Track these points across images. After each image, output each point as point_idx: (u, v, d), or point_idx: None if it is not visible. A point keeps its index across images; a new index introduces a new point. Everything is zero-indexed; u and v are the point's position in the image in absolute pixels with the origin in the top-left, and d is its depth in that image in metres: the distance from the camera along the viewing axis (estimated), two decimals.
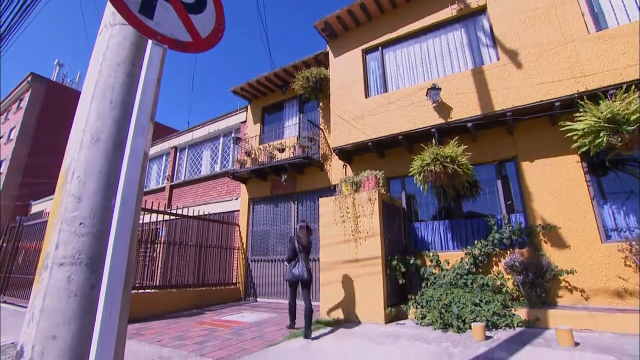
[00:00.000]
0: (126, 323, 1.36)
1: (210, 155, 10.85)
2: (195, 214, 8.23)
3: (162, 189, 11.52)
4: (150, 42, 1.40)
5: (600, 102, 4.44)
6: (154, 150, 12.58)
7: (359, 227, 5.50)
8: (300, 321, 4.95)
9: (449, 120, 5.62)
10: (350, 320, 5.18)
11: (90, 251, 1.19)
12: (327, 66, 7.76)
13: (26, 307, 7.06)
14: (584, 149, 4.56)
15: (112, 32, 1.51)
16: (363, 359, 3.49)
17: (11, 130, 21.49)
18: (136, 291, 6.21)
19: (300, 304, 5.03)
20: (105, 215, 1.25)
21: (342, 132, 6.77)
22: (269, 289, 7.94)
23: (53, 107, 21.79)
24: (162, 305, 6.50)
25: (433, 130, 5.73)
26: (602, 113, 4.31)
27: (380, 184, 5.70)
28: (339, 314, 5.30)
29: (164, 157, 12.26)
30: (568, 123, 4.67)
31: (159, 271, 7.42)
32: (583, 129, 4.51)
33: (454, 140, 5.35)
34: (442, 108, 5.73)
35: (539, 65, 5.11)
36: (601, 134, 4.32)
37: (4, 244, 9.23)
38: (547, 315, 4.35)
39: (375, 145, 6.43)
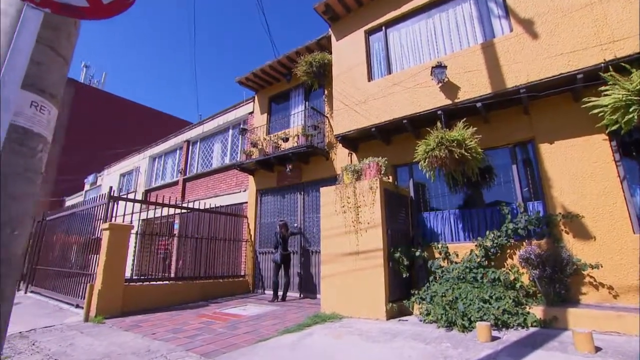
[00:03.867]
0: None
1: (220, 148, 10.86)
2: (207, 206, 8.27)
3: (177, 183, 11.72)
4: (25, 5, 1.21)
5: (633, 71, 3.84)
6: (168, 145, 12.82)
7: (360, 217, 5.21)
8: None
9: (456, 100, 5.14)
10: (350, 316, 4.94)
11: None
12: (330, 51, 7.40)
13: (49, 297, 7.46)
14: (613, 128, 3.98)
15: None
16: (352, 358, 3.25)
17: None
18: (142, 283, 6.31)
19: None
20: None
21: (344, 119, 6.44)
22: None
23: (82, 107, 22.86)
24: (170, 297, 6.57)
25: (439, 112, 5.28)
26: (632, 84, 3.73)
27: (382, 172, 5.35)
28: (339, 309, 5.07)
29: (178, 151, 12.45)
30: (593, 98, 4.09)
31: (166, 263, 7.53)
32: (610, 104, 3.94)
33: (461, 122, 4.89)
34: (449, 88, 5.25)
35: (558, 33, 4.50)
36: (631, 109, 3.74)
37: (31, 238, 9.79)
38: (566, 314, 3.89)
39: (379, 131, 6.05)
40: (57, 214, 8.68)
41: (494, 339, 3.57)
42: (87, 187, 18.51)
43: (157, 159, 13.64)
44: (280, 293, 6.84)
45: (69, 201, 20.42)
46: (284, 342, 3.84)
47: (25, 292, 8.78)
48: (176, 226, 9.98)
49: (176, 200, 10.66)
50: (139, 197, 13.19)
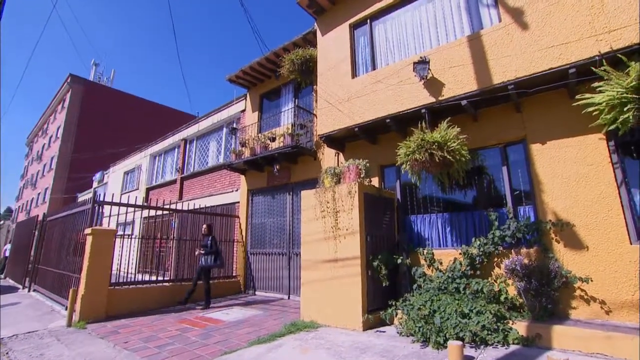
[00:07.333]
0: None
1: (216, 147, 10.79)
2: (202, 205, 8.24)
3: (175, 181, 11.77)
4: None
5: (631, 65, 3.43)
6: (167, 143, 12.85)
7: (338, 223, 5.00)
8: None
9: (440, 98, 4.80)
10: (328, 325, 4.79)
11: None
12: (317, 45, 7.10)
13: (47, 297, 7.62)
14: (611, 127, 3.60)
15: None
16: None
17: (57, 129, 23.43)
18: (128, 287, 6.33)
19: None
20: None
21: (328, 118, 6.18)
22: (267, 283, 7.76)
23: (91, 105, 23.32)
24: (159, 299, 6.57)
25: (423, 111, 4.95)
26: (626, 81, 3.33)
27: (363, 175, 5.10)
28: (317, 317, 4.93)
29: (176, 150, 12.47)
30: (587, 95, 3.70)
31: (163, 263, 7.55)
32: (605, 102, 3.55)
33: (444, 122, 4.56)
34: (433, 84, 4.90)
35: (549, 23, 4.08)
36: (626, 109, 3.35)
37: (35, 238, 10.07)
38: (551, 331, 3.60)
39: (363, 130, 5.77)
40: (56, 214, 8.84)
41: (468, 359, 3.33)
42: (95, 184, 18.96)
43: (157, 157, 13.73)
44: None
45: (81, 197, 21.03)
46: (248, 355, 3.72)
47: (29, 291, 9.05)
48: (173, 225, 10.04)
49: (175, 202, 10.72)
50: (142, 194, 13.35)
